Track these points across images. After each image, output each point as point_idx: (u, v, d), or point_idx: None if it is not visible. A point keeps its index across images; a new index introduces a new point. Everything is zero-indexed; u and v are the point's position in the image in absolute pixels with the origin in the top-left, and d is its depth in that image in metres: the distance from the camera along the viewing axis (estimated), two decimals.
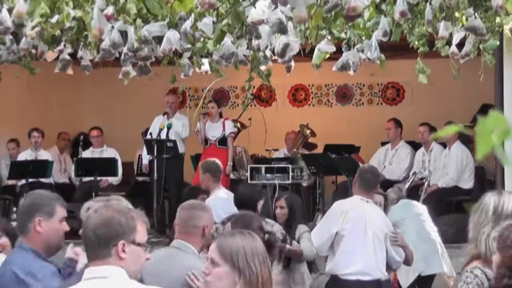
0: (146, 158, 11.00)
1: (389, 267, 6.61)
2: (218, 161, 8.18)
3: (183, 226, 4.52)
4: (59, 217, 3.81)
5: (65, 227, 3.86)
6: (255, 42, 5.43)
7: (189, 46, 5.41)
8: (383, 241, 6.42)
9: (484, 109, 11.66)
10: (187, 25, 5.13)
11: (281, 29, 4.73)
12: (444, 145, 10.60)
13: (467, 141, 10.89)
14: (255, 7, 4.63)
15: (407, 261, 6.72)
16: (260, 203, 6.87)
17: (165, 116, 10.93)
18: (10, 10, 5.04)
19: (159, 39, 5.35)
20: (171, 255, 4.47)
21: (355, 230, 6.36)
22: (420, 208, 7.99)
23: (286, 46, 5.11)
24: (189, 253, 4.37)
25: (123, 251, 2.82)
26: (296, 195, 8.34)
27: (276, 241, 4.65)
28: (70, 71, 6.20)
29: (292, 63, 5.97)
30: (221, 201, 7.68)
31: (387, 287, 6.68)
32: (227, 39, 5.22)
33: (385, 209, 6.95)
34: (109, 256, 2.82)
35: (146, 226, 2.96)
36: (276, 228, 6.48)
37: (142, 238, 2.91)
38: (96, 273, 2.82)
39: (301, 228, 7.07)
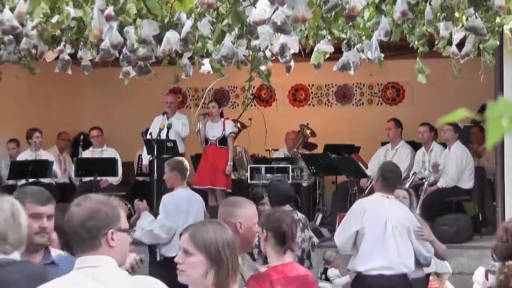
0: (146, 158, 11.00)
1: (420, 263, 6.57)
2: (184, 159, 8.28)
3: None
4: (28, 213, 3.75)
5: (35, 223, 3.84)
6: (254, 42, 5.43)
7: (191, 46, 5.41)
8: (405, 235, 6.39)
9: (484, 109, 11.64)
10: (188, 25, 5.13)
11: (281, 29, 4.73)
12: (444, 145, 10.60)
13: (467, 141, 10.89)
14: (255, 7, 4.64)
15: (440, 256, 6.71)
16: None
17: (165, 116, 10.93)
18: (11, 10, 5.04)
19: (159, 39, 5.35)
20: None
21: (374, 227, 6.36)
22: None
23: (284, 45, 5.12)
24: None
25: (112, 239, 2.89)
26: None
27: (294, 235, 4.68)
28: (69, 71, 6.21)
29: (292, 63, 5.97)
30: (175, 199, 7.80)
31: (420, 285, 6.64)
32: (228, 39, 5.23)
33: (411, 204, 6.92)
34: (99, 247, 2.87)
35: (126, 212, 3.03)
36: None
37: (126, 224, 2.98)
38: (88, 262, 2.87)
39: None
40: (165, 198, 7.85)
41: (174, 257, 3.56)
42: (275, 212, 4.90)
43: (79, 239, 2.90)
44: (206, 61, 6.03)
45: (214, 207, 9.01)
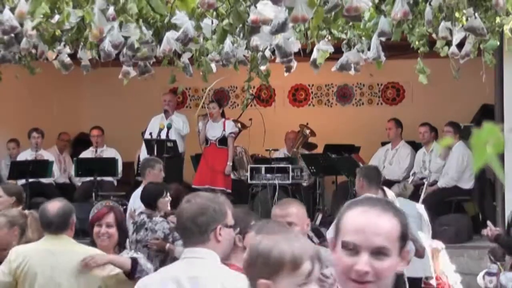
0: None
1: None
2: (153, 159, 8.87)
3: None
4: None
5: None
6: (254, 43, 5.43)
7: (192, 47, 5.41)
8: None
9: (484, 109, 11.66)
10: (190, 25, 5.13)
11: (281, 29, 4.73)
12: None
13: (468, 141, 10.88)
14: (255, 7, 4.64)
15: (419, 254, 6.77)
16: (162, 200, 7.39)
17: (164, 114, 10.95)
18: (11, 10, 5.05)
19: (158, 40, 5.35)
20: None
21: None
22: (418, 210, 8.01)
23: (283, 46, 5.12)
24: None
25: (220, 234, 3.11)
26: None
27: None
28: (64, 71, 6.21)
29: (293, 63, 5.97)
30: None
31: (400, 281, 6.74)
32: (228, 40, 5.23)
33: None
34: (208, 241, 3.10)
35: (231, 210, 3.25)
36: None
37: (231, 220, 3.20)
38: (194, 253, 3.10)
39: None
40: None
41: None
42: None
43: (189, 233, 3.11)
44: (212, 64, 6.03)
45: None
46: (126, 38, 5.28)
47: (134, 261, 4.67)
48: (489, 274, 6.64)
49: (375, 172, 6.76)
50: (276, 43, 5.27)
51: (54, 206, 4.90)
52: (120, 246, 5.07)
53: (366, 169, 6.83)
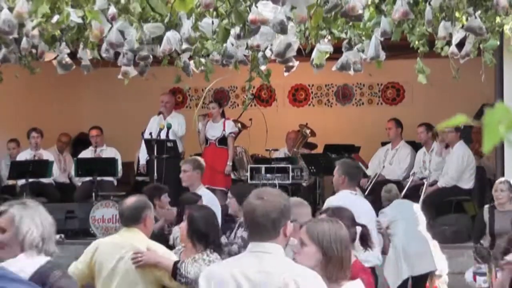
0: (143, 159, 11.01)
1: None
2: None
3: None
4: None
5: None
6: (255, 42, 5.43)
7: (190, 47, 5.41)
8: (374, 229, 6.55)
9: (484, 109, 11.66)
10: (188, 25, 5.13)
11: (282, 29, 4.73)
12: (445, 145, 10.59)
13: (468, 141, 10.88)
14: (256, 7, 4.64)
15: (384, 249, 6.87)
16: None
17: (161, 116, 10.95)
18: (10, 10, 5.05)
19: (159, 39, 5.35)
20: None
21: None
22: (414, 208, 8.03)
23: (288, 46, 5.12)
24: None
25: (287, 229, 3.25)
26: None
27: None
28: (61, 72, 6.20)
29: (292, 63, 5.96)
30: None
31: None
32: (228, 39, 5.23)
33: None
34: (277, 236, 3.22)
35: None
36: None
37: (291, 215, 3.33)
38: (261, 248, 3.21)
39: None
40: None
41: None
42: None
43: (261, 229, 3.21)
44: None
45: None
46: (125, 38, 5.28)
47: (175, 265, 4.90)
48: (480, 274, 6.69)
49: (356, 170, 6.82)
50: (286, 43, 5.26)
51: (130, 200, 5.12)
52: (208, 244, 5.07)
53: (348, 166, 6.82)
